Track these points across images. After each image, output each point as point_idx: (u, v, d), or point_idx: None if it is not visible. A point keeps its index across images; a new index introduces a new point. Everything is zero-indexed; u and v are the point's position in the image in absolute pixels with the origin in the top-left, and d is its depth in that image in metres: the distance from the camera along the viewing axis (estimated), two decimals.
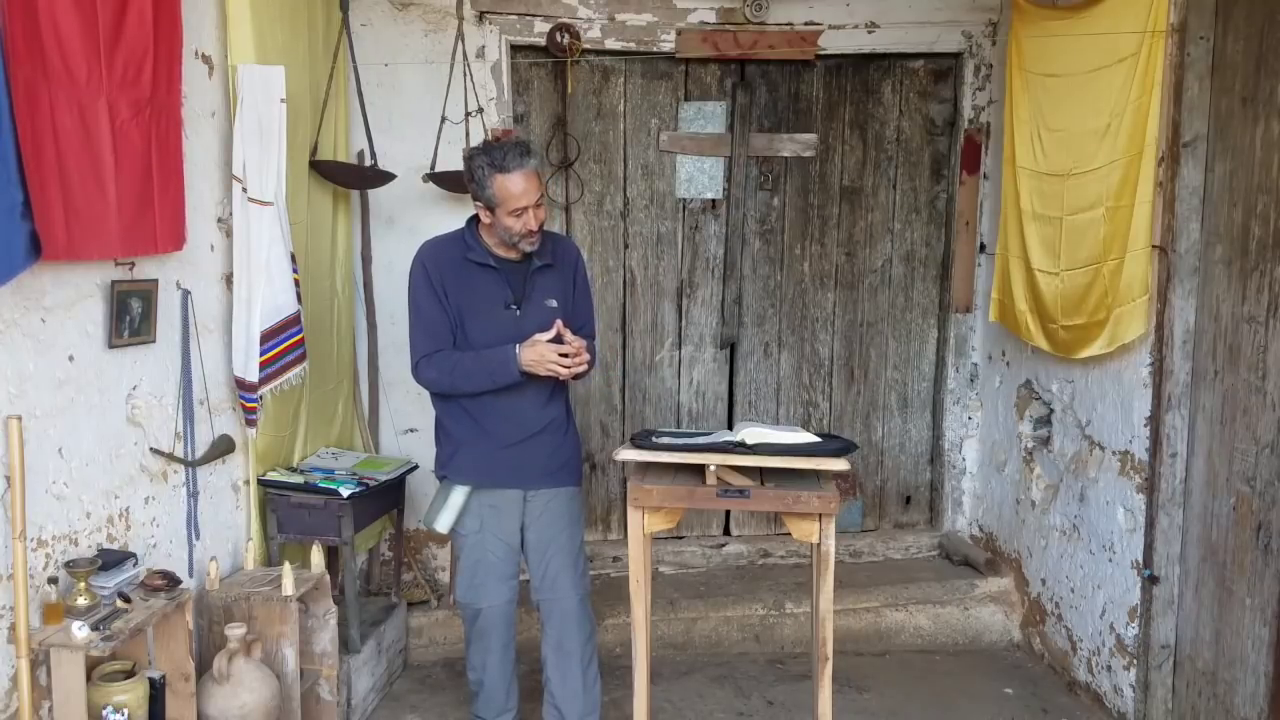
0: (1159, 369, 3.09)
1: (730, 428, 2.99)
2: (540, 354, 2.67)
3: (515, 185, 2.66)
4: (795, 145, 4.21)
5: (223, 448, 2.95)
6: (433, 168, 3.72)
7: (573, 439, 3.00)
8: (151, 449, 2.65)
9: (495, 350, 2.73)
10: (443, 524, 2.88)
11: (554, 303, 2.84)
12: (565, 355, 2.68)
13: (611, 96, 4.12)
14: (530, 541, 2.93)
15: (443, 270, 2.80)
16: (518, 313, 2.80)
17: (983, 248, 4.24)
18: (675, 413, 4.36)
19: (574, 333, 2.78)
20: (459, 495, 2.88)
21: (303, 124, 3.30)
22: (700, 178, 4.20)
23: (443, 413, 2.92)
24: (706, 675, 3.70)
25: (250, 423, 3.00)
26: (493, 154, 2.67)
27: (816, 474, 2.74)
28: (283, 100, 2.87)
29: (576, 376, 2.78)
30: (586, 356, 2.72)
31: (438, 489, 2.95)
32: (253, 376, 2.92)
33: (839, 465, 2.65)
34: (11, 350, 2.14)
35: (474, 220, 2.86)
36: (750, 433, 2.72)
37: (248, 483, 3.13)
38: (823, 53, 4.06)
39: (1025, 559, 3.93)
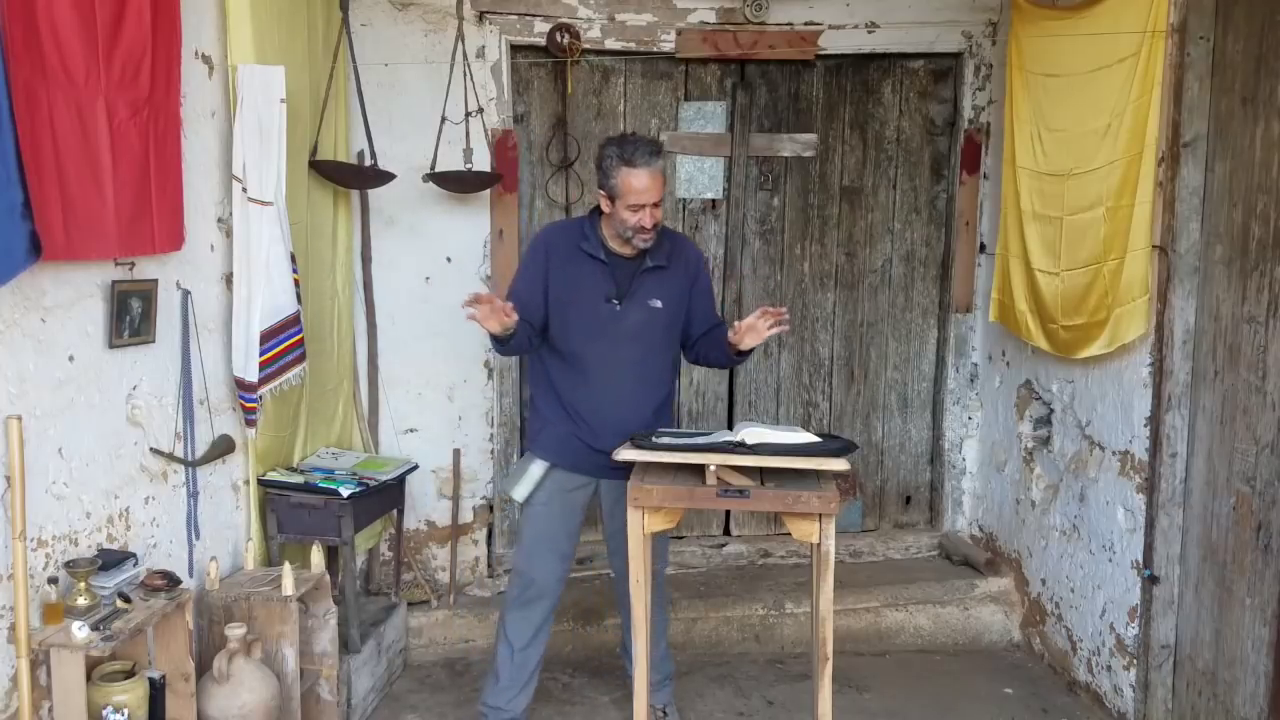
0: (1159, 369, 3.09)
1: (730, 428, 3.00)
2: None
3: (638, 181, 2.76)
4: (795, 145, 4.20)
5: (223, 448, 2.95)
6: (433, 168, 3.71)
7: None
8: (151, 449, 2.65)
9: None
10: (519, 493, 2.99)
11: (658, 303, 2.92)
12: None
13: (611, 96, 4.12)
14: (606, 527, 3.12)
15: (554, 254, 2.92)
16: (617, 308, 2.89)
17: (983, 248, 4.24)
18: (675, 412, 4.35)
19: (699, 329, 3.00)
20: (538, 469, 2.98)
21: (303, 124, 3.30)
22: (700, 178, 4.20)
23: (536, 391, 3.07)
24: (706, 675, 3.70)
25: (250, 423, 3.00)
26: (624, 147, 2.79)
27: (816, 474, 2.74)
28: (282, 100, 2.87)
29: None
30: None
31: (521, 458, 3.09)
32: (252, 376, 2.92)
33: (839, 465, 2.65)
34: (11, 350, 2.14)
35: (596, 211, 2.95)
36: (750, 433, 2.72)
37: (248, 483, 3.13)
38: (823, 53, 4.06)
39: (1025, 559, 3.93)
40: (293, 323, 3.04)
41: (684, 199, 4.21)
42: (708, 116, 4.16)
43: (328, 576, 3.03)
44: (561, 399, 2.97)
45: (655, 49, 3.99)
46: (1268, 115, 2.71)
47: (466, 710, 3.41)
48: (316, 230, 3.50)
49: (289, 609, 2.78)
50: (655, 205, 2.80)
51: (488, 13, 3.83)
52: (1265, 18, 2.73)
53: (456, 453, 4.01)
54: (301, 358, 3.10)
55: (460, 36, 3.68)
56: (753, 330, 2.80)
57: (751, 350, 2.93)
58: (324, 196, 3.58)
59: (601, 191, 2.85)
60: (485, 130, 3.83)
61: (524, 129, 4.05)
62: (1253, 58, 2.78)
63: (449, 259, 3.96)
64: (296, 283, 3.06)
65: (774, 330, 2.79)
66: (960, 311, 4.30)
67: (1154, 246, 3.03)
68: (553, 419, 2.99)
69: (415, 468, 3.70)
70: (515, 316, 2.72)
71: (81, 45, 2.22)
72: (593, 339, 2.90)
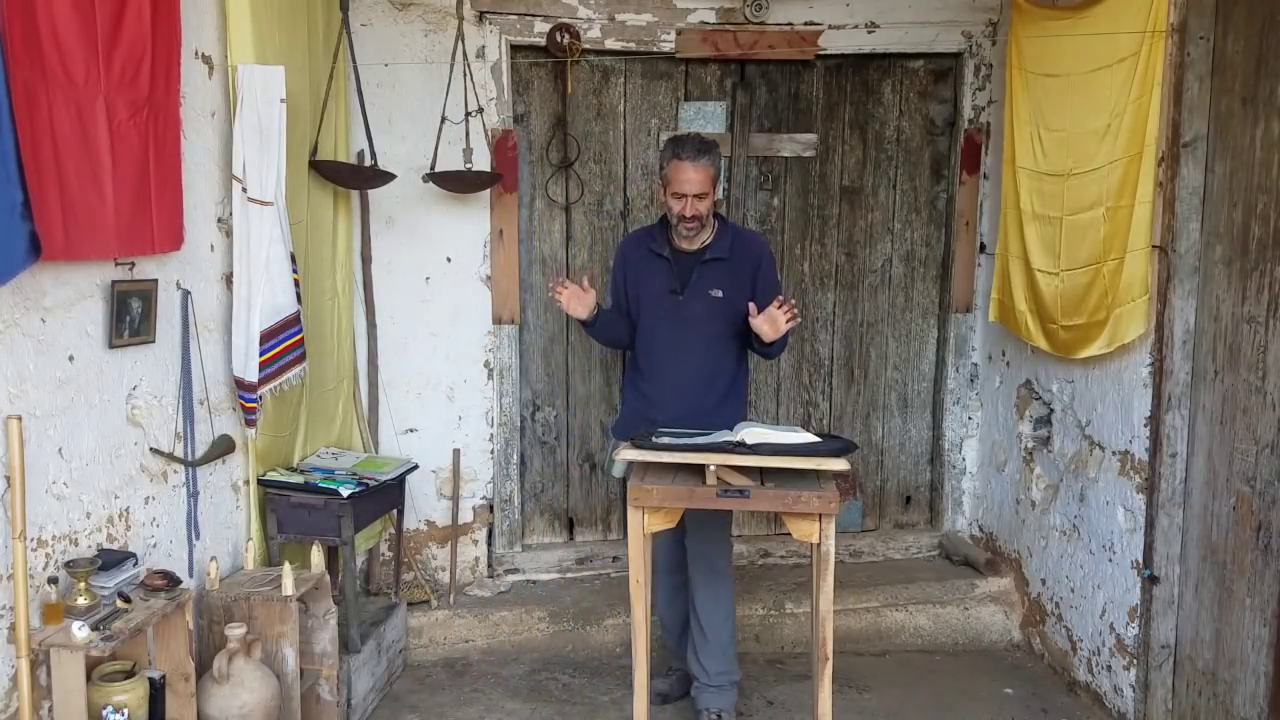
0: (1159, 369, 3.09)
1: (730, 428, 3.04)
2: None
3: (681, 172, 3.05)
4: (795, 145, 4.20)
5: (223, 448, 2.95)
6: (433, 168, 3.72)
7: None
8: (151, 449, 2.65)
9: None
10: (616, 471, 3.14)
11: (719, 293, 3.13)
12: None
13: (611, 96, 4.12)
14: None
15: (630, 256, 3.30)
16: (679, 298, 3.15)
17: (983, 248, 4.24)
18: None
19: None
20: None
21: (303, 124, 3.30)
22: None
23: (625, 380, 3.45)
24: None
25: (250, 423, 3.00)
26: (676, 141, 3.13)
27: (816, 474, 2.75)
28: (282, 100, 2.87)
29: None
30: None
31: (614, 441, 3.35)
32: (252, 376, 2.92)
33: (839, 465, 2.66)
34: (11, 350, 2.14)
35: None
36: (750, 433, 2.72)
37: (248, 483, 3.13)
38: (823, 53, 4.06)
39: (1025, 559, 3.93)
40: (293, 323, 3.04)
41: None
42: (708, 116, 4.16)
43: (328, 576, 3.03)
44: (638, 384, 3.26)
45: (655, 49, 3.99)
46: (1268, 115, 2.71)
47: (466, 710, 3.41)
48: (316, 230, 3.50)
49: (289, 609, 2.79)
50: (697, 198, 3.05)
51: (488, 13, 3.83)
52: (1265, 18, 2.73)
53: (456, 453, 4.02)
54: (301, 358, 3.10)
55: (460, 36, 3.68)
56: (771, 320, 2.93)
57: (777, 344, 3.04)
58: (324, 196, 3.58)
59: (659, 182, 3.18)
60: (485, 130, 3.83)
61: (524, 129, 4.05)
62: (1253, 58, 2.78)
63: (449, 259, 3.96)
64: (296, 283, 3.06)
65: (790, 324, 2.94)
66: (960, 311, 4.30)
67: (1154, 246, 3.03)
68: (630, 401, 3.31)
69: (415, 468, 3.71)
70: (592, 294, 3.11)
71: (81, 45, 2.22)
72: (659, 328, 3.18)
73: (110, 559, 2.39)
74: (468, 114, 3.73)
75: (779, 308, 2.92)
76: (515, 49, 3.94)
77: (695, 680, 3.23)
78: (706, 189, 3.06)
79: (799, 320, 3.01)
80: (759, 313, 2.95)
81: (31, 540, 2.20)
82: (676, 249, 3.18)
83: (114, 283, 2.44)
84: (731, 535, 3.39)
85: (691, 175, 3.03)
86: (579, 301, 3.10)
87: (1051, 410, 3.74)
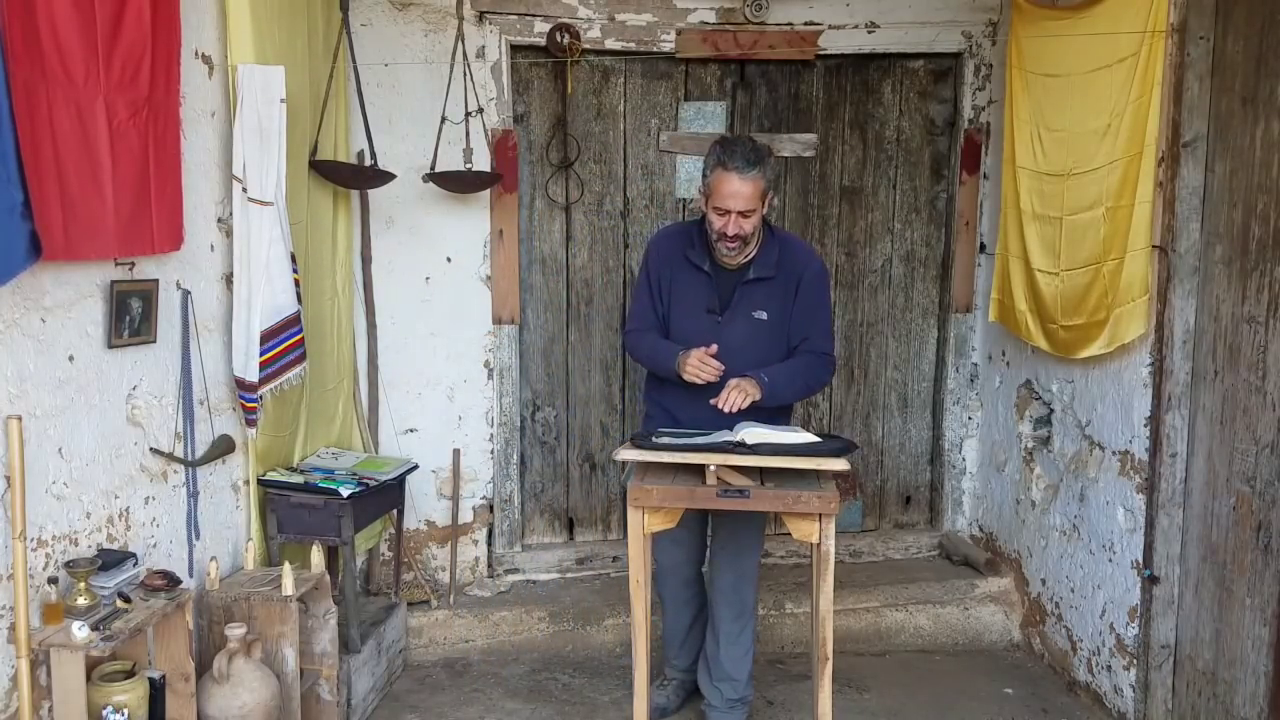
0: (1159, 369, 3.09)
1: (730, 428, 3.03)
2: (691, 360, 2.80)
3: (726, 184, 2.74)
4: (795, 145, 4.20)
5: (223, 448, 2.95)
6: (433, 168, 3.72)
7: None
8: (151, 449, 2.65)
9: (668, 347, 2.90)
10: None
11: (763, 315, 2.89)
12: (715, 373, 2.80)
13: (611, 96, 4.12)
14: (711, 519, 3.10)
15: (664, 262, 2.98)
16: (719, 320, 2.90)
17: (983, 248, 4.24)
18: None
19: (792, 345, 2.93)
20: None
21: (302, 124, 3.30)
22: (700, 178, 4.20)
23: (648, 398, 3.15)
24: None
25: (250, 423, 3.00)
26: (725, 146, 2.79)
27: (816, 474, 2.75)
28: (282, 100, 2.87)
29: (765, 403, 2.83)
30: (715, 375, 2.78)
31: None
32: (252, 376, 2.92)
33: (839, 465, 2.66)
34: (11, 350, 2.15)
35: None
36: (750, 433, 2.72)
37: (248, 483, 3.13)
38: (822, 53, 4.06)
39: (1025, 559, 3.93)
40: (293, 322, 3.04)
41: (684, 199, 4.21)
42: (708, 116, 4.16)
43: (328, 576, 3.03)
44: (665, 405, 3.02)
45: (655, 49, 3.99)
46: (1268, 115, 2.71)
47: (466, 710, 3.41)
48: (316, 230, 3.50)
49: (289, 609, 2.79)
50: (742, 215, 2.75)
51: (488, 13, 3.83)
52: (1265, 18, 2.73)
53: (456, 453, 4.02)
54: (302, 358, 3.10)
55: (460, 36, 3.68)
56: (735, 389, 2.75)
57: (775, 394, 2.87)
58: (324, 196, 3.58)
59: (701, 190, 2.88)
60: (485, 130, 3.83)
61: (524, 129, 4.05)
62: (1253, 58, 2.78)
63: (449, 259, 3.96)
64: (297, 282, 3.06)
65: (727, 408, 2.74)
66: (960, 311, 4.30)
67: (1154, 246, 3.03)
68: (653, 418, 3.07)
69: (415, 468, 3.70)
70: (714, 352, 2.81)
71: (81, 45, 2.22)
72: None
73: (110, 559, 2.39)
74: (468, 114, 3.73)
75: (736, 389, 2.72)
76: (515, 49, 3.94)
77: (707, 700, 3.17)
78: (754, 205, 2.74)
79: (733, 411, 2.76)
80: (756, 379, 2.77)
81: (31, 540, 2.20)
82: (718, 262, 2.90)
83: (114, 283, 2.44)
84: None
85: (739, 188, 2.71)
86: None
87: (1051, 410, 3.74)
